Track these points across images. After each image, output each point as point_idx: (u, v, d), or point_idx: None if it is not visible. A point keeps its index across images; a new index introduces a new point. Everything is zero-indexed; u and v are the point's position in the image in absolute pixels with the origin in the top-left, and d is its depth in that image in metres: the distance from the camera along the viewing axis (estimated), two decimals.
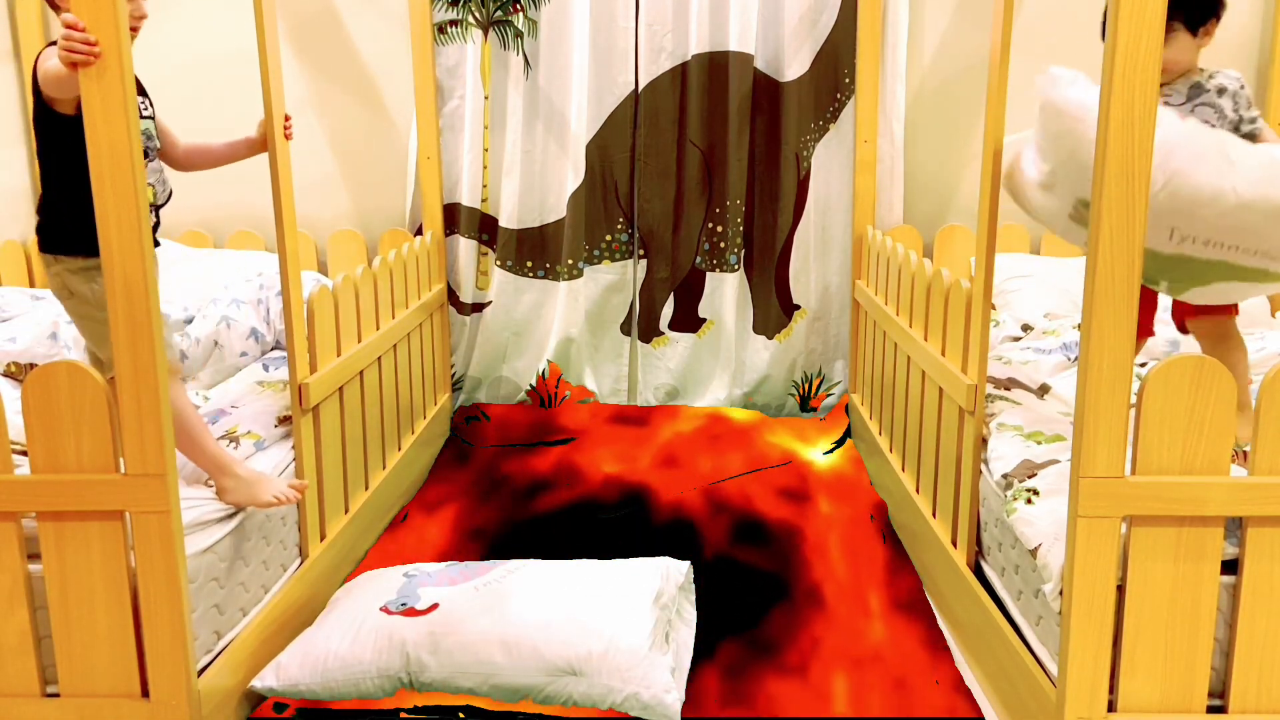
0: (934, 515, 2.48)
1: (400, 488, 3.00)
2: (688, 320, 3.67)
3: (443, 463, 3.35)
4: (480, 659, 1.95)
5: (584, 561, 2.30)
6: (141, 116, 1.86)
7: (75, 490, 1.71)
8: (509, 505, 3.02)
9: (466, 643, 1.97)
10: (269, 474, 2.14)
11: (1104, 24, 1.81)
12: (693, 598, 2.33)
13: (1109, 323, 1.52)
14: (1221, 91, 1.91)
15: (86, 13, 1.53)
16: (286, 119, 2.16)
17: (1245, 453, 1.69)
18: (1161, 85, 1.89)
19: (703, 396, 3.69)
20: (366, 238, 3.58)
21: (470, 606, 2.06)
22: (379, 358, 2.79)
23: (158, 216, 2.05)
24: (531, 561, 2.30)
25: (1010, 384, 2.50)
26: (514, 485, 3.15)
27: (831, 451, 3.37)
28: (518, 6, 3.45)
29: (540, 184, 3.55)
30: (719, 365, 3.67)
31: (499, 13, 3.45)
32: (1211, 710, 1.67)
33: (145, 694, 1.77)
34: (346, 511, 2.58)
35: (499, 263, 3.61)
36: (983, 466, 2.20)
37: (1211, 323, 2.01)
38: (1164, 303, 2.16)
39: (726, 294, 3.60)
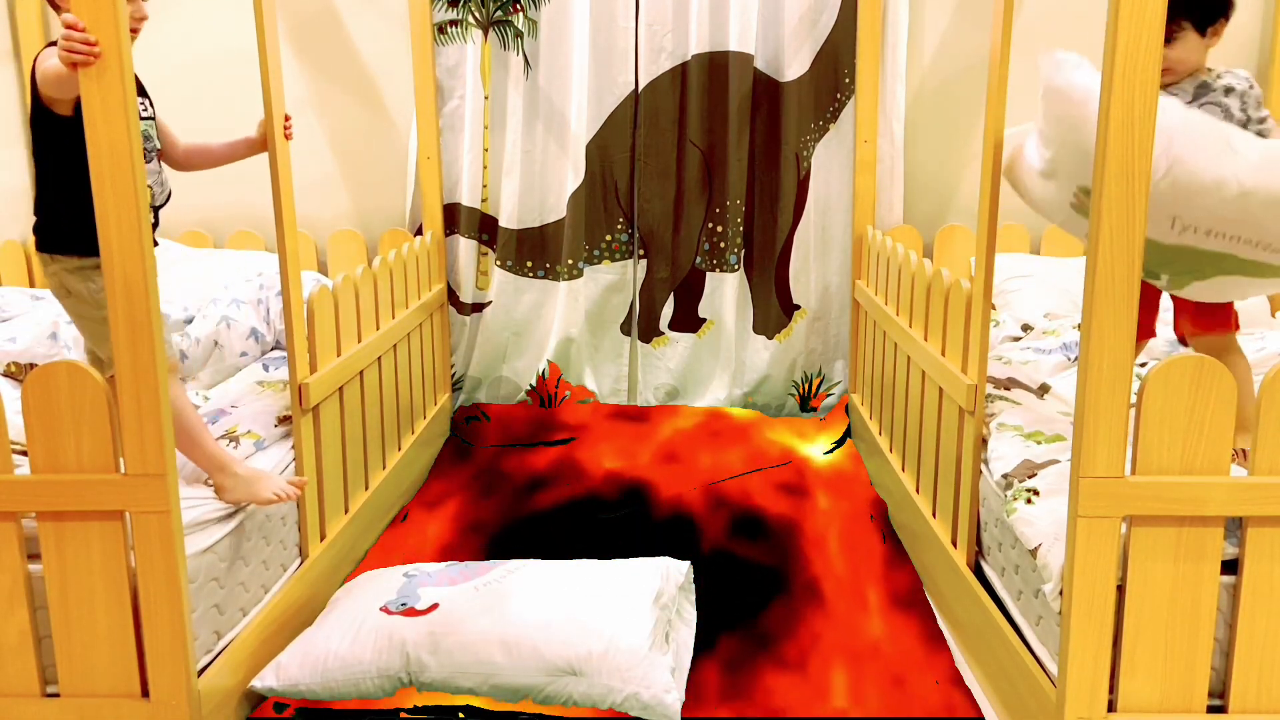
0: (934, 515, 2.48)
1: (400, 487, 3.00)
2: (688, 320, 3.67)
3: (443, 462, 3.35)
4: (480, 659, 1.96)
5: (584, 561, 2.30)
6: (141, 117, 1.86)
7: (75, 490, 1.71)
8: (510, 500, 3.02)
9: (466, 643, 1.97)
10: (269, 472, 2.14)
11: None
12: (693, 598, 2.33)
13: (1109, 323, 1.52)
14: (1229, 91, 1.90)
15: (86, 13, 1.53)
16: (286, 119, 2.16)
17: (1245, 452, 1.69)
18: (1169, 85, 1.89)
19: (703, 396, 3.69)
20: (366, 238, 3.58)
21: (470, 606, 2.06)
22: (379, 358, 2.79)
23: (156, 217, 2.05)
24: (531, 561, 2.30)
25: (1010, 384, 2.50)
26: (515, 481, 3.16)
27: (831, 451, 3.37)
28: (518, 6, 3.45)
29: (540, 184, 3.55)
30: (719, 365, 3.67)
31: (499, 13, 3.45)
32: (1211, 710, 1.67)
33: (145, 694, 1.77)
34: (346, 511, 2.58)
35: (499, 263, 3.61)
36: (983, 466, 2.19)
37: (1213, 338, 2.00)
38: (1164, 303, 2.16)
39: (726, 294, 3.60)
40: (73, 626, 1.76)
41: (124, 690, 1.77)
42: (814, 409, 3.69)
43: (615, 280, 3.64)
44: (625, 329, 3.69)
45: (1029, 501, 1.91)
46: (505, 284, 3.62)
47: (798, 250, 3.57)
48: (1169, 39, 1.86)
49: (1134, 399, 1.58)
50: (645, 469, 3.21)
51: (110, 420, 1.69)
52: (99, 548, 1.73)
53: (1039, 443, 2.11)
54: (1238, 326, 2.03)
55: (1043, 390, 2.50)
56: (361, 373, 2.65)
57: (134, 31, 1.78)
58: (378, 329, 2.78)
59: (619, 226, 3.61)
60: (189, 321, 2.94)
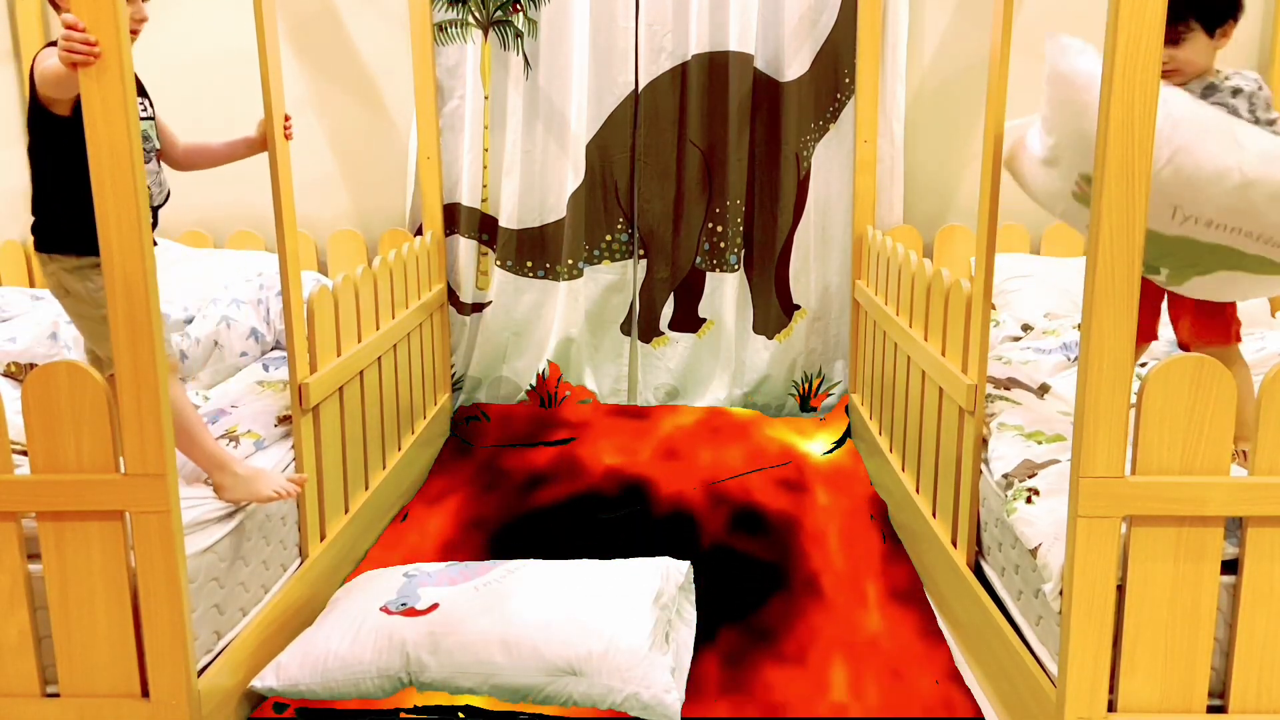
0: (934, 515, 2.48)
1: (400, 487, 3.00)
2: (688, 320, 3.67)
3: (443, 462, 3.36)
4: (480, 659, 1.96)
5: (584, 561, 2.30)
6: (141, 117, 1.86)
7: (75, 490, 1.71)
8: (511, 497, 3.03)
9: (466, 643, 1.97)
10: (268, 470, 2.14)
11: None
12: (692, 597, 2.33)
13: (1109, 322, 1.52)
14: (1237, 93, 1.88)
15: (86, 13, 1.53)
16: (286, 119, 2.16)
17: (1244, 453, 1.69)
18: (1176, 87, 1.88)
19: (703, 396, 3.69)
20: (366, 238, 3.58)
21: (470, 606, 2.06)
22: (379, 358, 2.79)
23: (156, 217, 2.05)
24: (531, 561, 2.30)
25: (1010, 384, 2.50)
26: (515, 478, 3.16)
27: (831, 451, 3.37)
28: (518, 6, 3.45)
29: (540, 184, 3.55)
30: (719, 365, 3.67)
31: (499, 13, 3.45)
32: (1211, 710, 1.67)
33: (145, 694, 1.77)
34: (346, 511, 2.58)
35: (499, 263, 3.61)
36: (983, 466, 2.20)
37: (1214, 351, 1.99)
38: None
39: (726, 294, 3.60)
40: (73, 626, 1.76)
41: (124, 690, 1.77)
42: (814, 409, 3.69)
43: (615, 280, 3.64)
44: (625, 329, 3.69)
45: (1029, 501, 1.91)
46: (505, 284, 3.62)
47: (798, 250, 3.57)
48: (1177, 40, 1.86)
49: (1134, 399, 1.58)
50: (645, 466, 3.22)
51: (110, 420, 1.69)
52: (99, 548, 1.73)
53: (1039, 443, 2.11)
54: (1239, 339, 2.03)
55: (1043, 390, 2.50)
56: (361, 373, 2.65)
57: (134, 33, 1.78)
58: (378, 329, 2.78)
59: (619, 226, 3.61)
60: (189, 321, 2.94)
